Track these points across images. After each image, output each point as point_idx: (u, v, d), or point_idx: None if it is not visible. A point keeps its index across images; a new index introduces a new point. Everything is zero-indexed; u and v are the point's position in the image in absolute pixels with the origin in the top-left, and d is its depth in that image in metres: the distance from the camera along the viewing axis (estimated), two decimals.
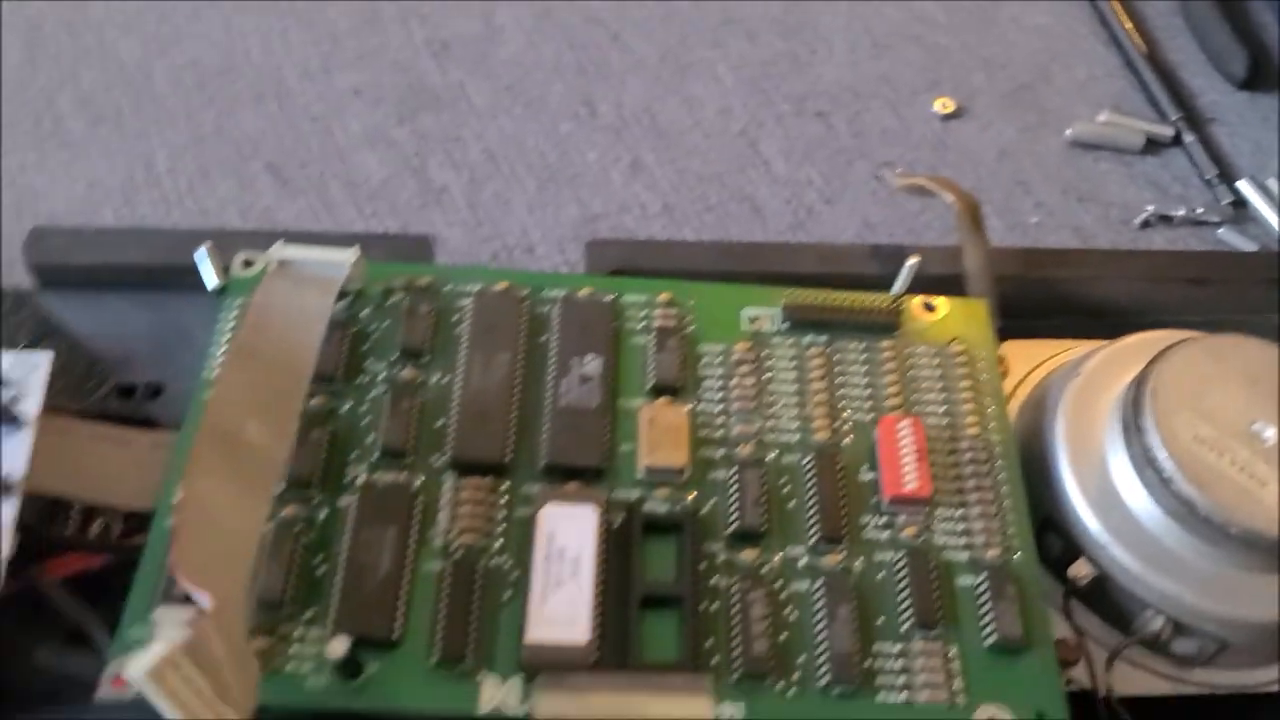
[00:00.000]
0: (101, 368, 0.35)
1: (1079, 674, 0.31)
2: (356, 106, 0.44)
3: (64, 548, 0.31)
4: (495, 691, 0.28)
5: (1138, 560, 0.31)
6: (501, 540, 0.30)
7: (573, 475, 0.31)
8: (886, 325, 0.34)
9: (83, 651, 0.29)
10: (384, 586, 0.28)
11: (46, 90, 0.44)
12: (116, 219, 0.40)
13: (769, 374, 0.33)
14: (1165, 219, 0.44)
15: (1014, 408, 0.36)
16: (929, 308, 0.35)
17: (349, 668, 0.28)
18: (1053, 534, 0.33)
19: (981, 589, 0.30)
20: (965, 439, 0.32)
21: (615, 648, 0.28)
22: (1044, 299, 0.39)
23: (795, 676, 0.28)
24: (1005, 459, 0.32)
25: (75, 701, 0.30)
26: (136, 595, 0.28)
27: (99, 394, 0.34)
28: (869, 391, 0.33)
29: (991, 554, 0.31)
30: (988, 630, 0.29)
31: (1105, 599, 0.32)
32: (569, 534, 0.29)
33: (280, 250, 0.32)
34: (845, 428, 0.33)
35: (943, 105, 0.47)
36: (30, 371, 0.30)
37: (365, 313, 0.33)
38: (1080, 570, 0.32)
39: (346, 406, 0.32)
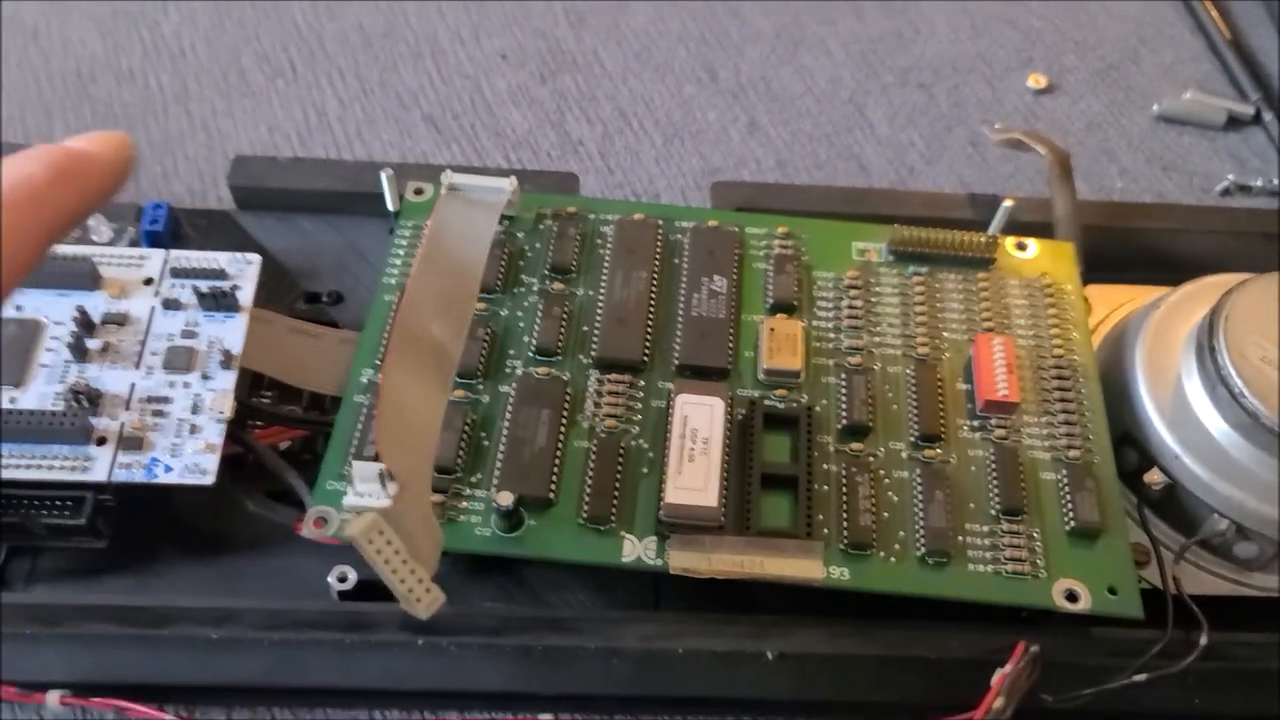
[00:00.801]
0: (291, 278, 0.40)
1: (1150, 574, 0.35)
2: (503, 68, 0.49)
3: (266, 420, 0.36)
4: (635, 547, 0.32)
5: (1206, 469, 0.34)
6: (639, 426, 0.34)
7: (701, 374, 0.35)
8: (983, 260, 0.38)
9: (286, 504, 0.35)
10: (540, 456, 0.33)
11: (232, 49, 0.50)
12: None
13: (876, 297, 0.38)
14: (1244, 189, 0.47)
15: (1096, 341, 0.40)
16: (1021, 246, 0.39)
17: (511, 519, 0.32)
18: (1130, 448, 0.36)
19: (1063, 483, 0.34)
20: (1051, 358, 0.36)
21: (739, 516, 0.32)
22: (1127, 251, 0.42)
23: (895, 547, 0.33)
24: (1086, 377, 0.36)
25: (277, 545, 0.35)
26: (332, 456, 0.33)
27: (290, 298, 0.39)
28: (965, 315, 0.37)
29: (1073, 454, 0.35)
30: (1068, 517, 0.33)
31: (1176, 506, 0.36)
32: (700, 418, 0.33)
33: (449, 177, 0.37)
34: (944, 345, 0.37)
35: (1035, 81, 0.51)
36: (244, 267, 0.36)
37: (521, 235, 0.38)
38: (1154, 478, 0.35)
39: (505, 312, 0.36)
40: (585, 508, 0.32)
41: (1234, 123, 0.50)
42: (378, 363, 0.35)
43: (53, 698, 0.33)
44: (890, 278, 0.38)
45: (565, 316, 0.36)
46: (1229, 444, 0.34)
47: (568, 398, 0.34)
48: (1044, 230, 0.40)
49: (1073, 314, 0.38)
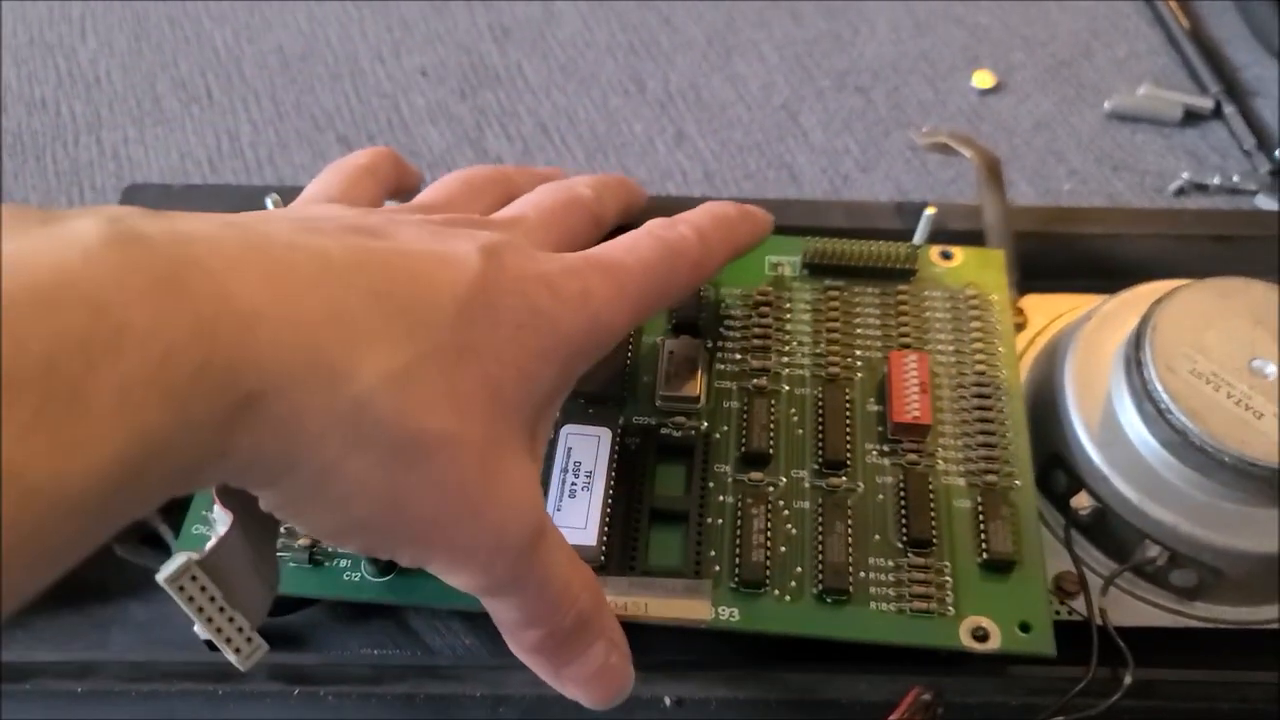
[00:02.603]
0: None
1: (1080, 605, 0.33)
2: (422, 85, 0.48)
3: None
4: None
5: (1136, 491, 0.32)
6: None
7: (595, 401, 0.33)
8: (903, 272, 0.36)
9: (156, 549, 0.33)
10: None
11: (148, 75, 0.49)
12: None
13: (787, 315, 0.35)
14: (1200, 187, 0.45)
15: (1031, 357, 0.37)
16: (946, 256, 0.37)
17: (380, 564, 0.31)
18: (1059, 470, 0.34)
19: (978, 511, 0.31)
20: (972, 375, 0.34)
21: (624, 555, 0.31)
22: (1067, 258, 0.40)
23: (790, 585, 0.30)
24: (1010, 395, 0.34)
25: (147, 592, 0.34)
26: (198, 498, 0.32)
27: None
28: (881, 331, 0.35)
29: (989, 479, 0.32)
30: (981, 548, 0.31)
31: (1106, 531, 0.33)
32: (585, 451, 0.32)
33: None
34: (857, 364, 0.34)
35: (981, 80, 0.48)
36: None
37: None
38: (1081, 502, 0.33)
39: None
40: None
41: (1191, 118, 0.47)
42: None
43: None
44: (803, 293, 0.36)
45: None
46: (1159, 464, 0.32)
47: None
48: (977, 238, 0.38)
49: (999, 326, 0.35)
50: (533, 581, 0.24)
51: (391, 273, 0.20)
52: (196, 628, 0.24)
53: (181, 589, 0.23)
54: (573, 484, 0.31)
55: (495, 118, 0.47)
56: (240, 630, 0.24)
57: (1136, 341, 0.32)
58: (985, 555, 0.30)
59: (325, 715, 0.31)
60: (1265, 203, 0.44)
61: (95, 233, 0.16)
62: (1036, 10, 0.51)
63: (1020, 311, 0.38)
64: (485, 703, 0.32)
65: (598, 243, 0.27)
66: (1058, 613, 0.33)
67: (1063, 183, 0.45)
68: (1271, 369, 0.31)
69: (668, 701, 0.32)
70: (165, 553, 0.32)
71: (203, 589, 0.24)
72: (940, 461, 0.32)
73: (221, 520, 0.28)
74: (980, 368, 0.34)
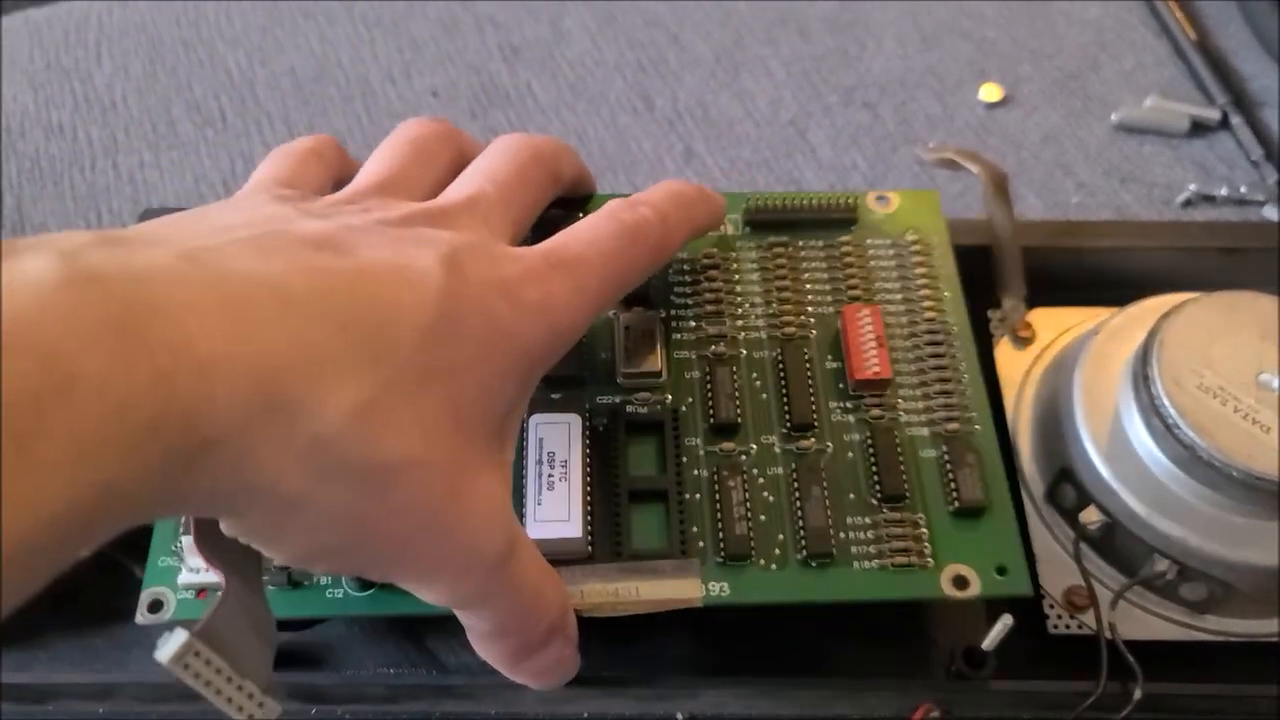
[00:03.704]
0: None
1: (1090, 619, 0.33)
2: (433, 105, 0.48)
3: None
4: None
5: (1144, 505, 0.32)
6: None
7: (556, 385, 0.33)
8: (843, 220, 0.36)
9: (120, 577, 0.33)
10: None
11: (164, 98, 0.49)
12: None
13: (735, 276, 0.35)
14: (1208, 198, 0.45)
15: (1039, 372, 0.38)
16: (882, 200, 0.37)
17: (363, 580, 0.31)
18: (1067, 484, 0.34)
19: (944, 459, 0.32)
20: (923, 323, 0.34)
21: (608, 540, 0.30)
22: (1075, 271, 0.40)
23: (774, 553, 0.31)
24: (961, 339, 0.34)
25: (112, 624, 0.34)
26: (159, 528, 0.31)
27: None
28: (830, 285, 0.35)
29: (951, 427, 0.33)
30: (951, 497, 0.31)
31: (1115, 546, 0.33)
32: (557, 440, 0.31)
33: None
34: (811, 321, 0.35)
35: (988, 94, 0.48)
36: None
37: None
38: (1091, 516, 0.33)
39: None
40: None
41: (1198, 129, 0.47)
42: None
43: None
44: (748, 251, 0.36)
45: None
46: (1167, 478, 0.32)
47: None
48: (984, 254, 0.38)
49: (942, 270, 0.35)
50: (504, 595, 0.24)
51: (354, 300, 0.20)
52: (208, 698, 0.23)
53: (187, 667, 0.22)
54: (549, 475, 0.31)
55: None
56: (251, 697, 0.23)
57: (1144, 356, 0.32)
58: (957, 504, 0.31)
59: None
60: (1272, 213, 0.44)
61: (49, 273, 0.16)
62: (1043, 23, 0.51)
63: (1028, 325, 0.38)
64: None
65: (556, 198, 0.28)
66: (1067, 626, 0.33)
67: (1071, 195, 0.45)
68: (1278, 383, 0.31)
69: (680, 718, 0.32)
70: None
71: (208, 663, 0.23)
72: (902, 414, 0.33)
73: (194, 563, 0.29)
74: (930, 314, 0.34)
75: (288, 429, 0.18)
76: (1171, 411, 0.31)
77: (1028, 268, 0.38)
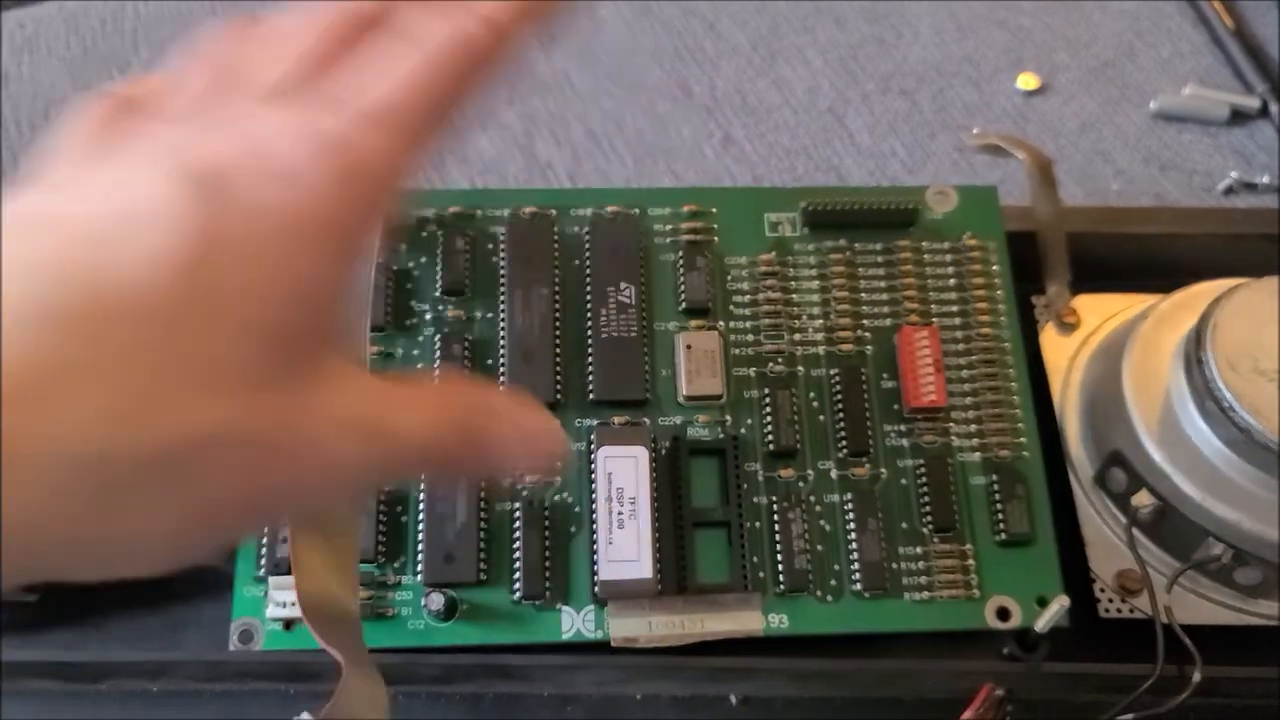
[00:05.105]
0: None
1: (1142, 603, 0.33)
2: None
3: None
4: (573, 620, 0.31)
5: (1198, 489, 0.32)
6: (560, 478, 0.33)
7: (620, 407, 0.33)
8: (904, 220, 0.36)
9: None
10: (464, 535, 0.31)
11: None
12: None
13: (793, 283, 0.35)
14: (1249, 186, 0.45)
15: (1086, 357, 0.38)
16: (941, 196, 0.37)
17: (444, 610, 0.31)
18: (1118, 468, 0.34)
19: (993, 488, 0.33)
20: (978, 339, 0.35)
21: (673, 573, 0.31)
22: (1119, 258, 0.40)
23: (831, 584, 0.32)
24: (1014, 356, 0.35)
25: (218, 592, 0.34)
26: (243, 560, 0.31)
27: None
28: (888, 296, 0.36)
29: (1002, 454, 0.33)
30: (998, 528, 0.32)
31: (1168, 530, 0.33)
32: (625, 475, 0.32)
33: None
34: (867, 336, 0.35)
35: (1025, 82, 0.48)
36: None
37: (403, 249, 0.35)
38: (1143, 500, 0.33)
39: (400, 351, 0.34)
40: (518, 587, 0.31)
41: (1238, 117, 0.47)
42: None
43: None
44: (806, 255, 0.36)
45: (467, 353, 0.34)
46: (1222, 462, 0.32)
47: None
48: (1027, 240, 0.38)
49: (999, 275, 0.36)
50: (395, 456, 0.19)
51: (66, 275, 0.15)
52: None
53: None
54: (619, 513, 0.31)
55: (544, 124, 0.47)
56: None
57: (1197, 340, 0.32)
58: (1004, 535, 0.32)
59: (395, 713, 0.31)
60: None
61: None
62: (1078, 12, 0.51)
63: (1073, 311, 0.38)
64: (552, 702, 0.32)
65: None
66: (1119, 611, 0.33)
67: (1110, 183, 0.45)
68: None
69: (734, 700, 0.32)
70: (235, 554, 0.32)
71: None
72: (954, 438, 0.34)
73: (280, 598, 0.29)
74: (985, 330, 0.35)
75: (40, 468, 0.15)
76: (1227, 395, 0.31)
77: (1071, 254, 0.38)
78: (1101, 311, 0.39)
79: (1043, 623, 0.31)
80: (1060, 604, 0.30)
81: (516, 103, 0.48)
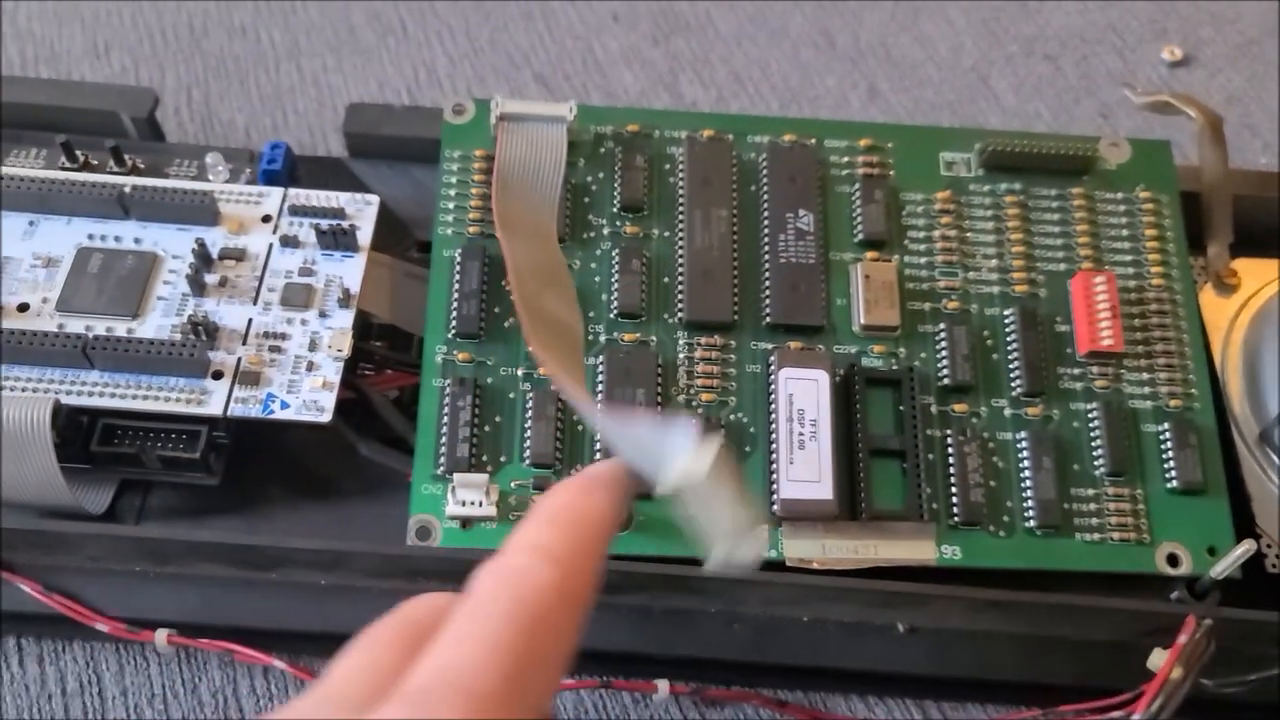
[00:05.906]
0: (402, 226, 0.39)
1: None
2: (614, 29, 0.48)
3: (378, 365, 0.35)
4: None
5: None
6: (735, 396, 0.33)
7: (796, 332, 0.33)
8: (1078, 168, 0.36)
9: (397, 451, 0.33)
10: None
11: (343, 6, 0.49)
12: None
13: (968, 223, 0.36)
14: None
15: (1247, 317, 0.37)
16: (1115, 147, 0.37)
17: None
18: None
19: (1165, 437, 0.33)
20: (1151, 289, 0.35)
21: (848, 498, 0.31)
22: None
23: (1004, 520, 0.32)
24: (1187, 308, 0.35)
25: (388, 492, 0.34)
26: (421, 456, 0.31)
27: (403, 246, 0.38)
28: (1062, 241, 0.36)
29: (1174, 404, 0.33)
30: (1169, 475, 0.32)
31: None
32: (806, 397, 0.32)
33: (502, 105, 0.34)
34: (1041, 279, 0.35)
35: (1170, 53, 0.48)
36: (364, 208, 0.35)
37: (582, 163, 0.35)
38: None
39: (578, 263, 0.34)
40: None
41: None
42: (450, 337, 0.33)
43: (160, 636, 0.32)
44: (981, 197, 0.36)
45: (644, 268, 0.34)
46: None
47: (660, 370, 0.33)
48: (1192, 199, 0.38)
49: (1171, 228, 0.36)
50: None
51: None
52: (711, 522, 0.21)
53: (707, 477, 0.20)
54: (800, 434, 0.31)
55: (689, 64, 0.47)
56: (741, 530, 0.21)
57: None
58: (1176, 483, 0.32)
59: None
60: None
61: None
62: None
63: (1233, 272, 0.38)
64: (719, 619, 0.32)
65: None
66: None
67: (1258, 155, 0.45)
68: None
69: (901, 628, 0.32)
70: (409, 456, 0.32)
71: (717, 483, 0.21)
72: (1127, 384, 0.34)
73: (463, 496, 0.30)
74: (1158, 281, 0.35)
75: None
76: None
77: (1235, 217, 0.38)
78: (1261, 276, 0.38)
79: (1222, 568, 0.30)
80: (1247, 547, 0.30)
81: (660, 41, 0.48)
